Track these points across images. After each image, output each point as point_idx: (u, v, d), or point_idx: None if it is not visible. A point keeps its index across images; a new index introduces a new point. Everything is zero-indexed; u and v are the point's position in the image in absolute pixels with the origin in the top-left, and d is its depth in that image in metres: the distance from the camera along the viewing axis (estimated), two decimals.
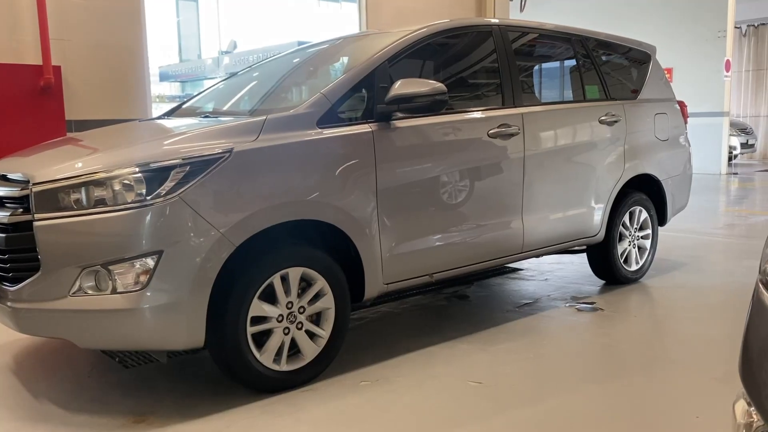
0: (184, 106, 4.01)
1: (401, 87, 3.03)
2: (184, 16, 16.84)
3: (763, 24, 18.44)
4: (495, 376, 2.95)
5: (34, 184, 2.53)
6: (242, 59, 15.07)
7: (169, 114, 3.96)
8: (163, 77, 17.93)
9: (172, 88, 17.23)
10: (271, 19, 16.15)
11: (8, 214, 2.59)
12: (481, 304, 4.15)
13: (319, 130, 2.91)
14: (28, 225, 2.52)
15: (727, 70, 13.52)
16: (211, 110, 3.66)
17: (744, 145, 15.94)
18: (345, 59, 3.89)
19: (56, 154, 3.04)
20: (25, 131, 4.99)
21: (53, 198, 2.50)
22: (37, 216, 2.50)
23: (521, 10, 8.58)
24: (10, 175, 2.77)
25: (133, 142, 2.94)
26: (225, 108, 3.75)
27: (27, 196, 2.54)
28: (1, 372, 3.15)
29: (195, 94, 4.28)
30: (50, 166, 2.63)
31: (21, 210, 2.57)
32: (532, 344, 3.36)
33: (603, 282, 4.61)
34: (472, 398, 2.74)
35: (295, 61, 4.21)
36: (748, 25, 18.51)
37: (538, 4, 8.95)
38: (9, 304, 2.59)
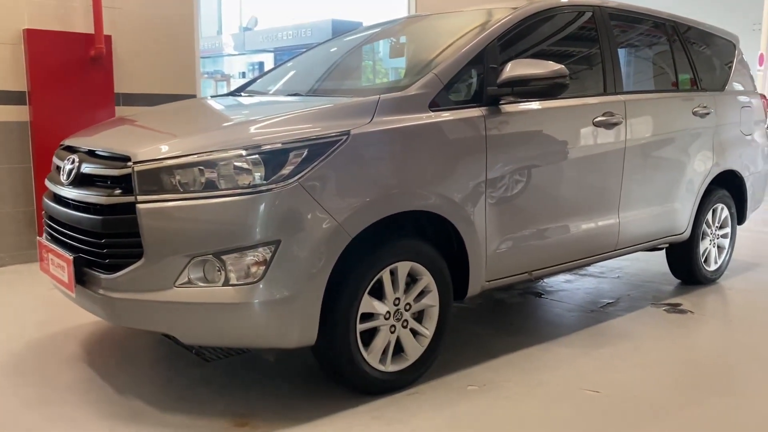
0: (255, 85, 3.76)
1: (515, 68, 2.80)
2: None
3: None
4: (610, 385, 2.75)
5: (136, 162, 2.30)
6: (269, 36, 14.73)
7: (239, 92, 3.72)
8: None
9: None
10: None
11: (104, 194, 2.36)
12: (559, 303, 3.94)
13: (431, 113, 2.68)
14: (128, 207, 2.29)
15: (761, 65, 13.25)
16: (300, 89, 3.40)
17: None
18: (426, 39, 3.66)
19: (143, 132, 2.82)
20: (72, 103, 4.73)
21: (157, 179, 2.27)
22: (140, 198, 2.27)
23: None
24: (99, 151, 2.54)
25: (235, 122, 2.70)
26: (309, 87, 3.50)
27: (127, 176, 2.31)
28: (73, 362, 2.94)
29: (265, 72, 4.03)
30: (152, 143, 2.40)
31: (120, 191, 2.34)
32: (635, 350, 3.16)
33: (678, 281, 4.41)
34: (596, 409, 2.54)
35: (368, 41, 3.98)
36: None
37: None
38: (101, 292, 2.37)
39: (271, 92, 3.49)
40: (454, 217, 2.70)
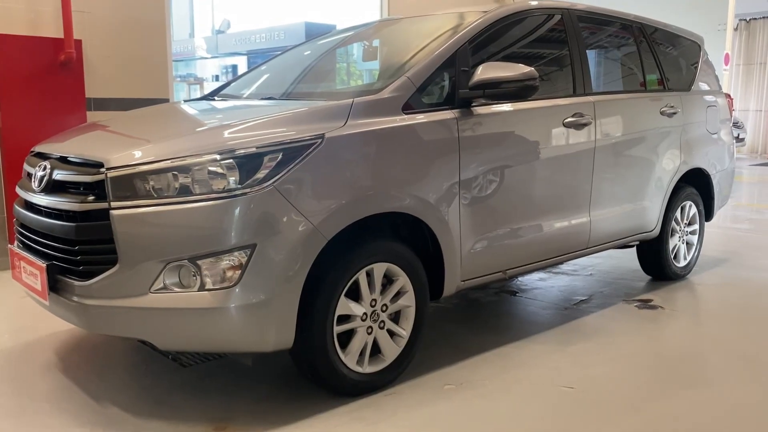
0: (228, 88, 3.75)
1: (486, 71, 2.84)
2: None
3: (755, 19, 18.53)
4: (584, 381, 2.80)
5: (109, 168, 2.29)
6: (242, 39, 14.64)
7: (213, 96, 3.71)
8: None
9: None
10: None
11: (77, 201, 2.35)
12: (533, 301, 4.00)
13: (405, 116, 2.70)
14: (102, 214, 2.28)
15: (726, 64, 13.55)
16: (274, 93, 3.40)
17: (736, 139, 16.04)
18: (398, 42, 3.69)
19: (115, 138, 2.81)
20: (42, 108, 4.68)
21: (131, 185, 2.26)
22: (114, 204, 2.26)
23: None
24: (72, 158, 2.52)
25: (209, 126, 2.70)
26: (283, 90, 3.50)
27: (100, 182, 2.30)
28: (47, 370, 2.91)
29: (239, 75, 4.03)
30: (125, 149, 2.39)
31: (93, 197, 2.32)
32: (608, 345, 3.22)
33: (649, 278, 4.50)
34: (571, 404, 2.59)
35: (341, 44, 4.00)
36: (740, 20, 18.58)
37: None
38: (75, 299, 2.36)
39: (244, 96, 3.49)
40: (428, 218, 2.73)
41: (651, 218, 4.05)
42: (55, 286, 2.43)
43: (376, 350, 2.68)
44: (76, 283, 2.36)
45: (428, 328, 3.38)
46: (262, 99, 3.26)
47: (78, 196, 2.38)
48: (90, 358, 3.06)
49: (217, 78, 16.50)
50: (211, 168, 2.24)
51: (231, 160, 2.24)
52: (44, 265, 2.42)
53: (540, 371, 2.90)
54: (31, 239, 2.62)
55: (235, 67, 16.57)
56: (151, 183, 2.25)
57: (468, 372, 2.88)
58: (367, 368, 2.64)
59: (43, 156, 2.71)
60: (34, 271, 2.50)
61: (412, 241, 2.79)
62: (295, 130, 2.40)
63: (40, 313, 3.12)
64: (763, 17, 18.41)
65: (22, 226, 2.71)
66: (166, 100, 5.31)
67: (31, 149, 2.91)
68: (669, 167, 4.11)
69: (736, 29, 18.44)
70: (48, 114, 4.69)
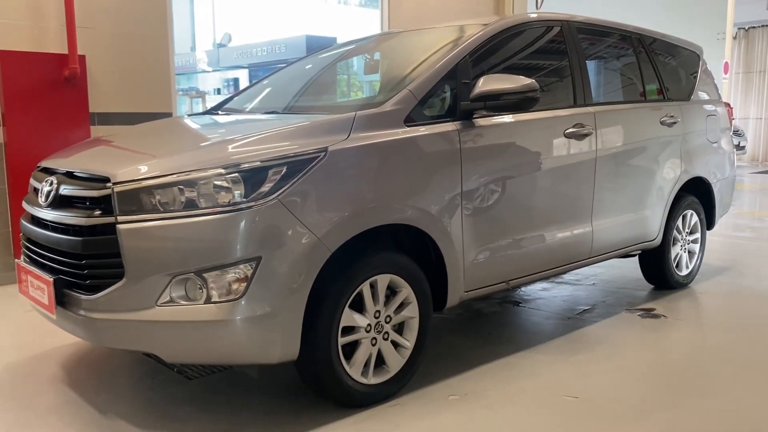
0: (232, 103, 3.79)
1: (488, 83, 2.87)
2: (177, 8, 16.52)
3: (754, 27, 18.63)
4: (588, 390, 2.81)
5: (115, 183, 2.31)
6: (243, 52, 14.73)
7: (216, 110, 3.74)
8: None
9: None
10: (268, 12, 15.83)
11: (83, 215, 2.37)
12: (536, 311, 4.01)
13: (407, 128, 2.73)
14: (108, 228, 2.31)
15: (726, 73, 13.60)
16: (277, 107, 3.43)
17: (737, 147, 16.08)
18: (399, 55, 3.72)
19: (121, 153, 2.83)
20: (47, 123, 4.71)
21: (137, 199, 2.29)
22: (120, 219, 2.28)
23: (537, 6, 8.46)
24: (78, 173, 2.55)
25: (213, 140, 2.73)
26: (286, 104, 3.53)
27: (107, 197, 2.32)
28: (53, 384, 2.93)
29: (241, 90, 4.07)
30: (131, 164, 2.41)
31: (99, 212, 2.35)
32: (611, 355, 3.23)
33: (651, 287, 4.51)
34: (575, 414, 2.59)
35: (342, 58, 4.04)
36: (739, 28, 18.68)
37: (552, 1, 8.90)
38: (82, 312, 2.38)
39: (247, 110, 3.52)
40: (431, 230, 2.75)
41: (653, 227, 4.07)
42: (62, 300, 2.45)
43: (380, 361, 2.69)
44: (83, 297, 2.38)
45: (432, 339, 3.40)
46: (265, 113, 3.29)
47: (84, 211, 2.40)
48: (95, 371, 3.08)
49: (218, 91, 16.60)
50: (216, 182, 2.27)
51: (236, 174, 2.27)
52: (51, 279, 2.44)
53: (544, 381, 2.91)
54: (38, 254, 2.64)
55: (236, 81, 16.69)
56: (157, 197, 2.27)
57: (472, 383, 2.89)
58: (372, 379, 2.65)
59: (49, 171, 2.74)
60: (41, 285, 2.52)
61: (415, 252, 2.81)
62: (299, 143, 2.43)
63: (45, 327, 3.15)
64: (762, 25, 18.51)
65: (29, 240, 2.73)
66: (170, 114, 5.35)
67: (38, 164, 2.94)
68: (670, 176, 4.13)
69: (735, 38, 18.52)
70: (52, 129, 4.72)
